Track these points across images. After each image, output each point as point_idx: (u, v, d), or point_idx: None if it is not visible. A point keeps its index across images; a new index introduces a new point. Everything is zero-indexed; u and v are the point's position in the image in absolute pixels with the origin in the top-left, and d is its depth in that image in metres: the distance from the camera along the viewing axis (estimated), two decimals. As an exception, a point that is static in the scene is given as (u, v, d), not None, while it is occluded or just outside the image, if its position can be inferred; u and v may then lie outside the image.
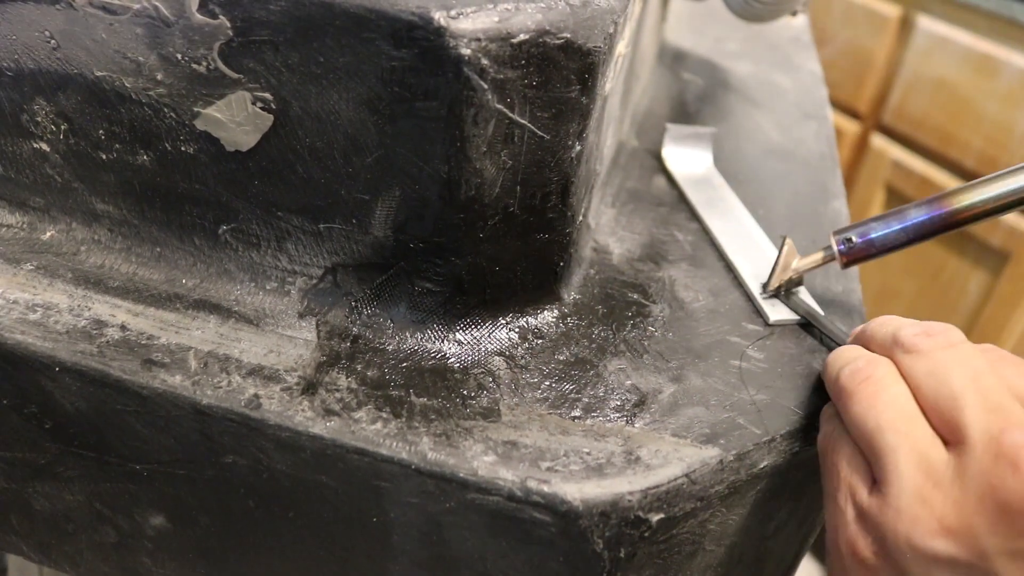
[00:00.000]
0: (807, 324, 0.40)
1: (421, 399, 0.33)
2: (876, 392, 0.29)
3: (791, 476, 0.35)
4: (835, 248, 0.39)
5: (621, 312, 0.39)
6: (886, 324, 0.32)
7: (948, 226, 0.37)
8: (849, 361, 0.32)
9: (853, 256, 0.39)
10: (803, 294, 0.41)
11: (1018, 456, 0.25)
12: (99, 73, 0.34)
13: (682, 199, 0.50)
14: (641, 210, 0.48)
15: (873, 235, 0.38)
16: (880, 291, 1.27)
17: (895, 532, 0.26)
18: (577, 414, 0.34)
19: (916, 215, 0.37)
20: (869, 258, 0.39)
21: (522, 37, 0.31)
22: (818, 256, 0.40)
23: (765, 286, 0.41)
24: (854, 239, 0.39)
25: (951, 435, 0.27)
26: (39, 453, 0.37)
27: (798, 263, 0.41)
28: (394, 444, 0.31)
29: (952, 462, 0.26)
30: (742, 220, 0.47)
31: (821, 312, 0.40)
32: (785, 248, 0.41)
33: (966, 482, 0.26)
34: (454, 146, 0.32)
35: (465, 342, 0.36)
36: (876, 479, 0.28)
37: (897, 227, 0.38)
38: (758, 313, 0.40)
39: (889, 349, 0.31)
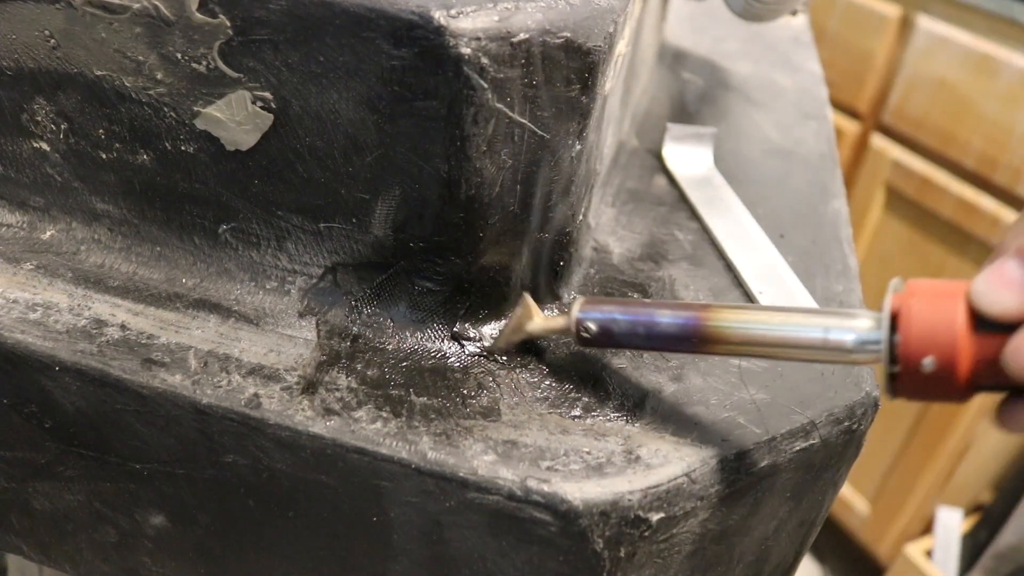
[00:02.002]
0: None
1: (421, 398, 0.33)
2: None
3: (791, 476, 0.35)
4: (573, 323, 0.34)
5: (621, 311, 0.39)
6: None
7: (697, 348, 0.31)
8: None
9: (590, 339, 0.34)
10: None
11: None
12: (99, 72, 0.34)
13: (682, 199, 0.50)
14: (641, 209, 0.48)
15: (615, 330, 0.33)
16: (880, 291, 1.26)
17: None
18: (577, 413, 0.34)
19: (667, 322, 0.31)
20: (606, 346, 0.34)
21: (522, 36, 0.31)
22: (559, 323, 0.34)
23: (492, 346, 0.36)
24: (591, 327, 0.33)
25: None
26: (39, 453, 0.37)
27: (534, 325, 0.35)
28: (394, 443, 0.31)
29: None
30: (742, 220, 0.47)
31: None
32: (520, 307, 0.35)
33: None
34: (454, 145, 0.32)
35: (465, 341, 0.36)
36: None
37: (641, 333, 0.32)
38: (758, 313, 0.40)
39: None
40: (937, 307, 0.26)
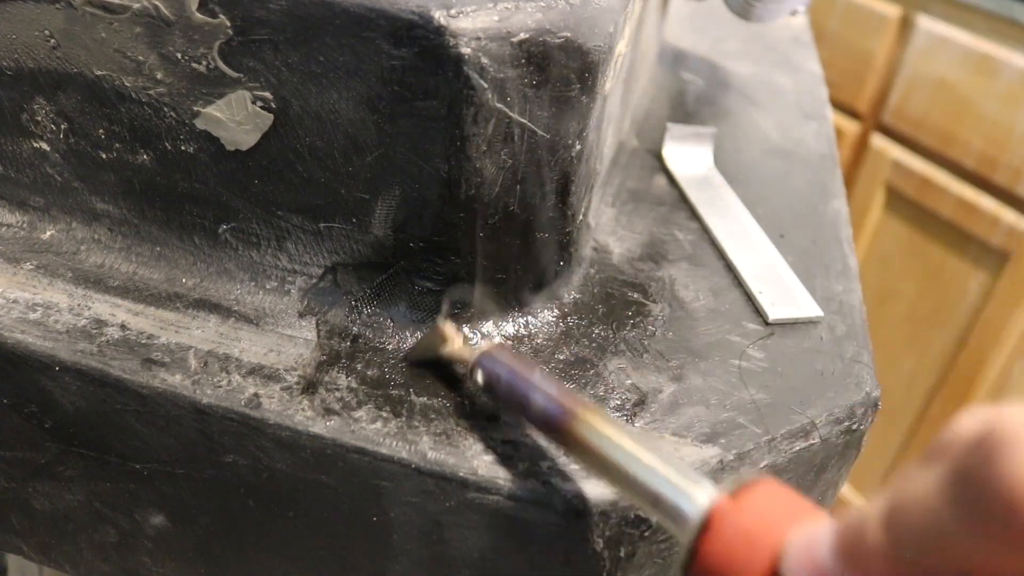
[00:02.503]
0: (807, 323, 0.39)
1: (421, 398, 0.33)
2: None
3: (791, 476, 0.35)
4: (470, 365, 0.33)
5: (621, 311, 0.39)
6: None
7: (557, 440, 0.30)
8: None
9: (478, 386, 0.33)
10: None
11: None
12: (99, 72, 0.34)
13: (682, 199, 0.50)
14: (641, 209, 0.48)
15: (496, 388, 0.32)
16: (880, 291, 1.27)
17: None
18: (577, 413, 0.34)
19: (540, 402, 0.30)
20: (493, 398, 0.34)
21: (522, 36, 0.31)
22: (464, 355, 0.34)
23: (405, 354, 0.36)
24: (478, 378, 0.33)
25: None
26: (39, 453, 0.37)
27: (445, 350, 0.34)
28: (394, 443, 0.31)
29: None
30: (742, 220, 0.47)
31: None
32: (436, 326, 0.35)
33: None
34: (454, 145, 0.32)
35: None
36: None
37: (516, 400, 0.31)
38: (758, 312, 0.40)
39: None
40: (747, 539, 0.23)
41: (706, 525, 0.24)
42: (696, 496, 0.25)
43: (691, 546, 0.24)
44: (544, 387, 0.30)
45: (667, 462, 0.26)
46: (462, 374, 0.34)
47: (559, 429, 0.29)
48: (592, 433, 0.28)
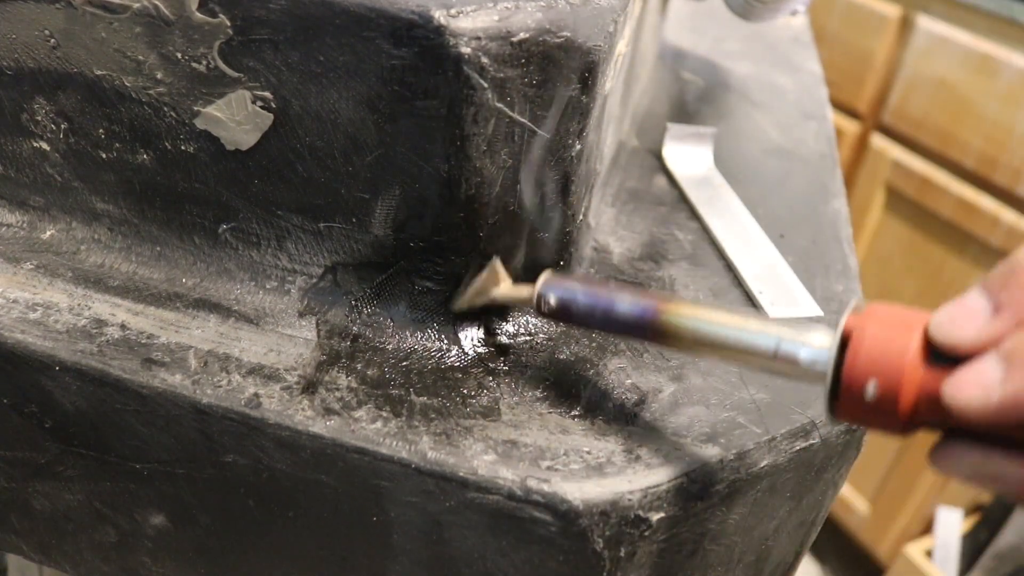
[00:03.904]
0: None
1: (421, 398, 0.33)
2: None
3: (791, 476, 0.35)
4: (535, 294, 0.34)
5: (621, 311, 0.39)
6: None
7: (650, 338, 0.31)
8: None
9: (548, 313, 0.34)
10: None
11: None
12: (99, 72, 0.34)
13: (682, 198, 0.50)
14: (641, 209, 0.48)
15: (572, 307, 0.33)
16: (880, 291, 1.27)
17: None
18: (577, 413, 0.34)
19: (625, 308, 0.31)
20: (566, 321, 0.35)
21: (522, 36, 0.31)
22: (523, 292, 0.35)
23: (454, 302, 0.36)
24: (551, 302, 0.33)
25: None
26: (39, 452, 0.37)
27: (500, 291, 0.35)
28: (394, 443, 0.31)
29: None
30: (742, 220, 0.47)
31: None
32: (487, 269, 0.35)
33: None
34: (454, 145, 0.32)
35: (465, 341, 0.36)
36: None
37: (600, 312, 0.32)
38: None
39: None
40: (892, 332, 0.24)
41: (844, 341, 0.25)
42: (821, 329, 0.27)
43: (836, 364, 0.25)
44: (624, 293, 0.32)
45: (770, 321, 0.29)
46: (511, 312, 0.36)
47: (652, 326, 0.31)
48: (689, 320, 0.30)
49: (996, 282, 0.24)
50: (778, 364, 0.28)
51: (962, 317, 0.24)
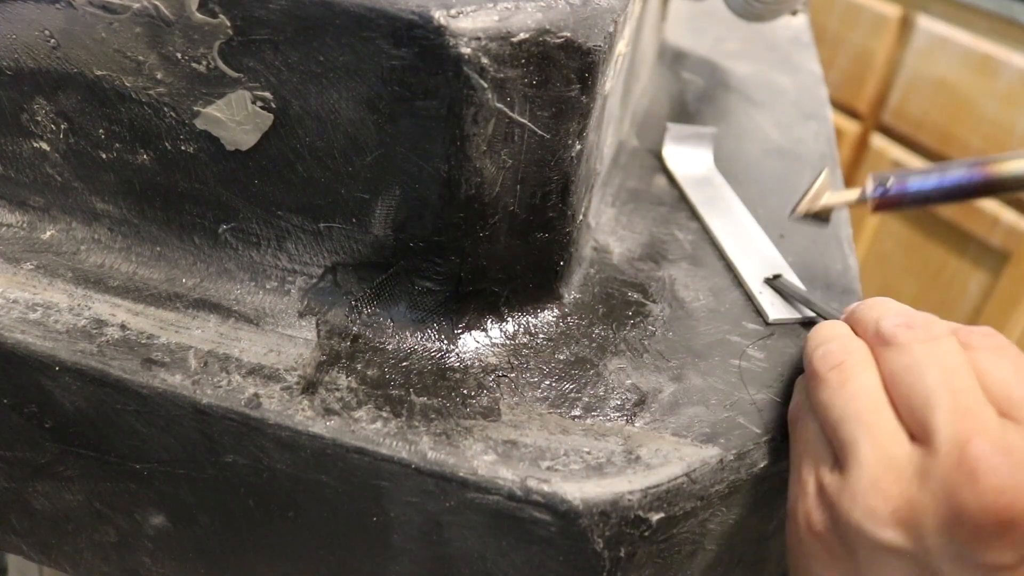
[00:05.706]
0: (808, 323, 0.40)
1: (421, 398, 0.33)
2: (844, 380, 0.29)
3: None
4: (869, 190, 0.39)
5: (621, 311, 0.39)
6: (873, 308, 0.32)
7: (985, 191, 0.37)
8: (824, 342, 0.32)
9: (885, 202, 0.39)
10: (794, 279, 0.41)
11: (978, 467, 0.25)
12: (99, 72, 0.34)
13: (682, 198, 0.50)
14: (641, 209, 0.48)
15: (909, 186, 0.38)
16: (880, 291, 1.27)
17: (849, 515, 0.27)
18: (577, 413, 0.34)
19: (955, 174, 0.37)
20: (899, 208, 0.39)
21: (522, 36, 0.31)
22: (851, 194, 0.40)
23: (793, 209, 0.41)
24: (890, 186, 0.38)
25: (919, 433, 0.27)
26: (39, 453, 0.37)
27: (830, 197, 0.41)
28: (394, 443, 0.31)
29: (915, 458, 0.27)
30: (742, 220, 0.47)
31: (812, 296, 0.40)
32: (821, 177, 0.41)
33: (925, 481, 0.26)
34: (454, 145, 0.32)
35: (465, 341, 0.36)
36: (839, 460, 0.29)
37: (934, 183, 0.38)
38: (758, 312, 0.40)
39: (870, 336, 0.31)
40: None
41: None
42: None
43: None
44: (951, 167, 0.38)
45: None
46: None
47: (986, 184, 0.37)
48: (1016, 166, 0.36)
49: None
50: None
51: None
